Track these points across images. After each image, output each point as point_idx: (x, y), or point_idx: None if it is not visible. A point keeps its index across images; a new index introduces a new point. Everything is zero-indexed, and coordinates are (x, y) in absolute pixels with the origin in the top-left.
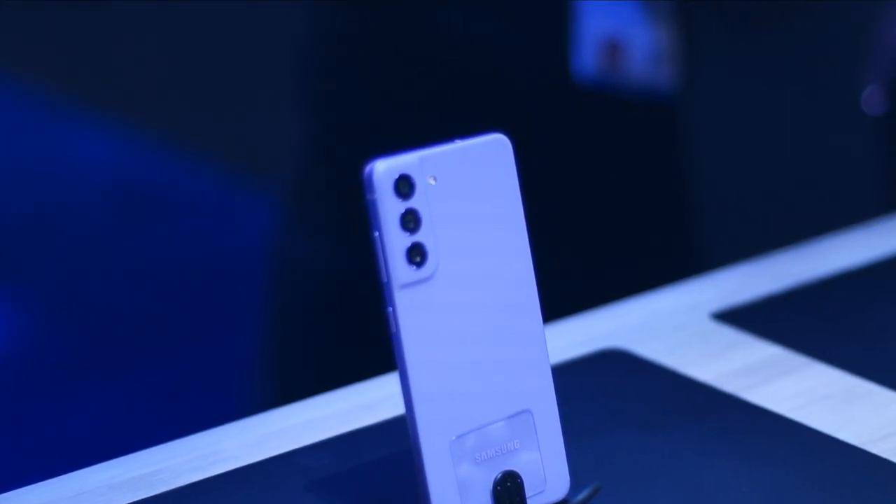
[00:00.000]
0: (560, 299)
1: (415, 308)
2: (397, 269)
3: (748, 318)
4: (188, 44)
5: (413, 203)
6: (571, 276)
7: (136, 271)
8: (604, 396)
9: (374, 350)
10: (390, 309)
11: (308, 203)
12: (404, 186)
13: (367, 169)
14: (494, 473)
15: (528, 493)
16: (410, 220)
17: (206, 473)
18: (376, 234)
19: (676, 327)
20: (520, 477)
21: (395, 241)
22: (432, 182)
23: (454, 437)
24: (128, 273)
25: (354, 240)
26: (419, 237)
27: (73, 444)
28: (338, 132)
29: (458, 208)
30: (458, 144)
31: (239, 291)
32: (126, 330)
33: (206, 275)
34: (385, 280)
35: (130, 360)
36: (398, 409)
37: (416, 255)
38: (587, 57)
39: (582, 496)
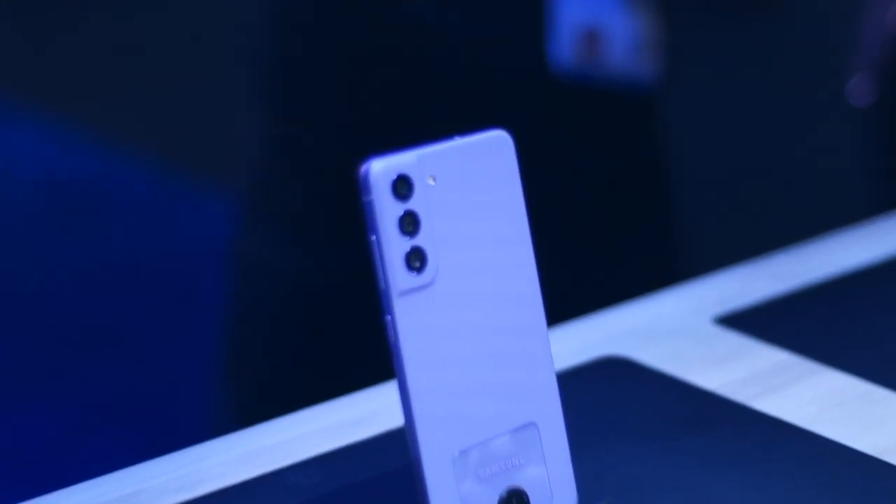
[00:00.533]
0: (553, 304)
1: (414, 316)
2: (396, 274)
3: (753, 321)
4: (144, 34)
5: (412, 205)
6: (563, 279)
7: (91, 278)
8: (606, 406)
9: (349, 359)
10: (389, 317)
11: (270, 203)
12: (402, 187)
13: (363, 169)
14: (499, 490)
15: None
16: (409, 223)
17: (190, 494)
18: (373, 238)
19: (677, 332)
20: (526, 494)
21: (393, 246)
22: (431, 182)
23: (457, 453)
24: (84, 281)
25: (319, 241)
26: (418, 241)
27: (30, 467)
28: (301, 128)
29: (458, 209)
30: (458, 142)
31: (198, 299)
32: (79, 341)
33: (164, 282)
34: (383, 287)
35: (86, 374)
36: (389, 424)
37: (416, 259)
38: (565, 47)
39: None
